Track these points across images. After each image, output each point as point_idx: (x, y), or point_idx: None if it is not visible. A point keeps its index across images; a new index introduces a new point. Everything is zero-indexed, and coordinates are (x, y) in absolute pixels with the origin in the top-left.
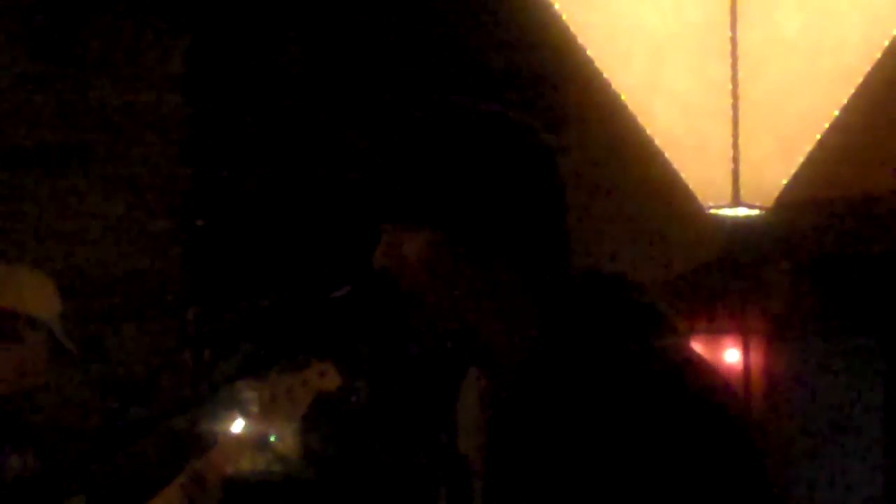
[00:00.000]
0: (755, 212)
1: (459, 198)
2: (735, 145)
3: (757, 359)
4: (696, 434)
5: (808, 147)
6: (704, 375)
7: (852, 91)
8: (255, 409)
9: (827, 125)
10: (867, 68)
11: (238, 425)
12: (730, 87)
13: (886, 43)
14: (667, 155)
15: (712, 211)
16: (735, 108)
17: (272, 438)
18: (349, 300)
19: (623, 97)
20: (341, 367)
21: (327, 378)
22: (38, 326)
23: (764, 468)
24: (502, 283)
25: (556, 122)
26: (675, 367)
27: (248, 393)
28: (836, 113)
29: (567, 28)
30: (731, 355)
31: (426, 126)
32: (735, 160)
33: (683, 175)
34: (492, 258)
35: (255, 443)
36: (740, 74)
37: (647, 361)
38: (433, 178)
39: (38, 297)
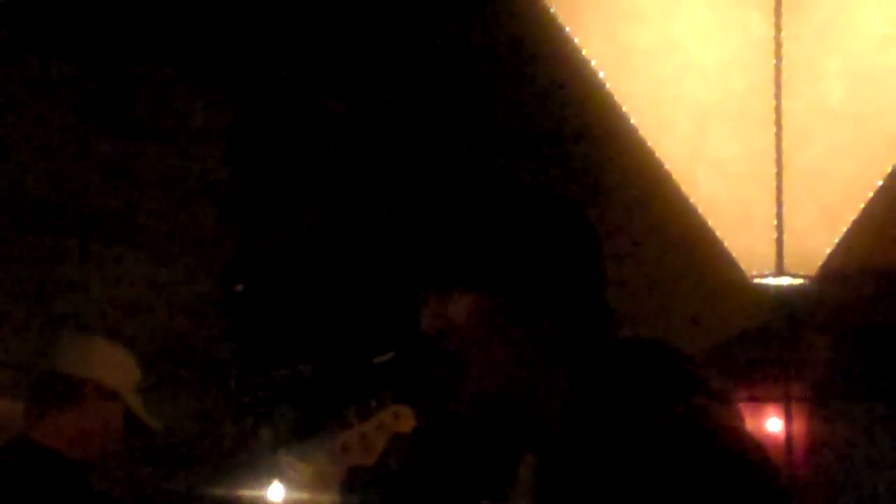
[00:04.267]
0: (799, 281)
1: (505, 264)
2: (779, 214)
3: (799, 427)
4: (729, 499)
5: (851, 216)
6: (740, 441)
7: None
8: (295, 474)
9: (871, 194)
10: None
11: (279, 491)
12: (774, 155)
13: None
14: (710, 223)
15: (756, 280)
16: (779, 176)
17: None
18: (393, 365)
19: (667, 165)
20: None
21: (402, 420)
22: (109, 396)
23: None
24: (546, 347)
25: (600, 190)
26: (709, 432)
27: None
28: (881, 182)
29: (611, 96)
30: (773, 423)
31: (473, 198)
32: (779, 229)
33: (727, 244)
34: (536, 322)
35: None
36: (784, 143)
37: (681, 425)
38: (479, 245)
39: (109, 366)
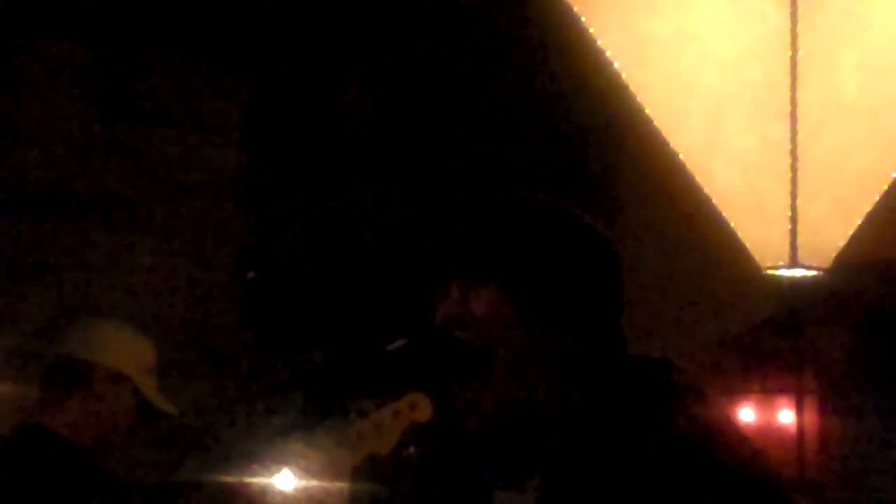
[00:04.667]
0: (813, 272)
1: (529, 267)
2: (793, 206)
3: (811, 419)
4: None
5: (866, 208)
6: (731, 443)
7: None
8: (306, 462)
9: (885, 186)
10: None
11: (288, 479)
12: (789, 147)
13: None
14: (725, 215)
15: (770, 271)
16: (794, 168)
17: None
18: (405, 354)
19: (681, 156)
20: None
21: (419, 410)
22: (119, 380)
23: None
24: (563, 359)
25: (614, 180)
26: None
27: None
28: (895, 174)
29: (626, 86)
30: (785, 415)
31: (513, 201)
32: (793, 221)
33: (741, 235)
34: (556, 333)
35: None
36: (799, 135)
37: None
38: (508, 242)
39: (120, 350)
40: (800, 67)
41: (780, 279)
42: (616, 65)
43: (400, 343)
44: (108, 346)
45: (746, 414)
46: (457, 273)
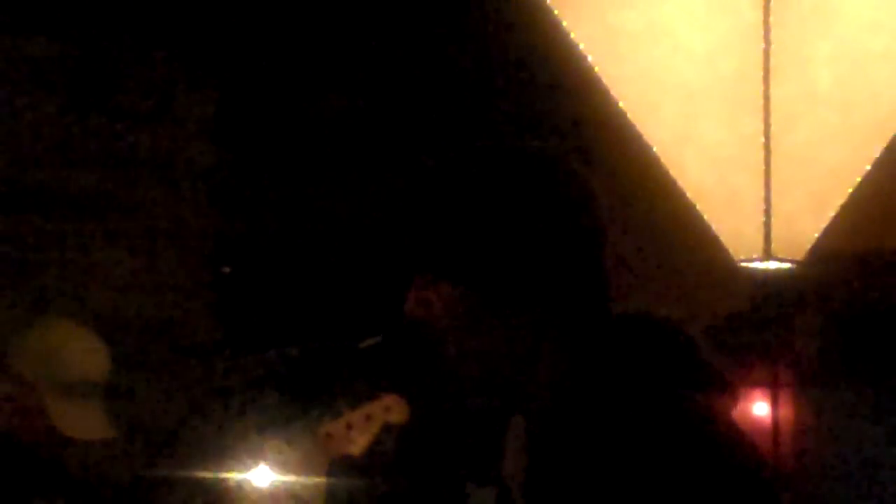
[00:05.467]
0: (786, 265)
1: (490, 244)
2: (767, 198)
3: (786, 412)
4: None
5: (839, 200)
6: (725, 431)
7: (884, 145)
8: (282, 457)
9: (859, 179)
10: None
11: (266, 475)
12: (762, 140)
13: None
14: (698, 207)
15: (743, 264)
16: (767, 161)
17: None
18: (378, 350)
19: (655, 149)
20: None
21: (394, 411)
22: (27, 388)
23: None
24: (533, 333)
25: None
26: (695, 419)
27: (275, 442)
28: (868, 167)
29: (599, 80)
30: (759, 408)
31: (460, 168)
32: (767, 213)
33: (714, 228)
34: (520, 307)
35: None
36: (772, 128)
37: (670, 408)
38: (465, 226)
39: (37, 358)
40: (773, 61)
41: (754, 272)
42: (589, 58)
43: (374, 340)
44: (27, 353)
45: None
46: (417, 270)
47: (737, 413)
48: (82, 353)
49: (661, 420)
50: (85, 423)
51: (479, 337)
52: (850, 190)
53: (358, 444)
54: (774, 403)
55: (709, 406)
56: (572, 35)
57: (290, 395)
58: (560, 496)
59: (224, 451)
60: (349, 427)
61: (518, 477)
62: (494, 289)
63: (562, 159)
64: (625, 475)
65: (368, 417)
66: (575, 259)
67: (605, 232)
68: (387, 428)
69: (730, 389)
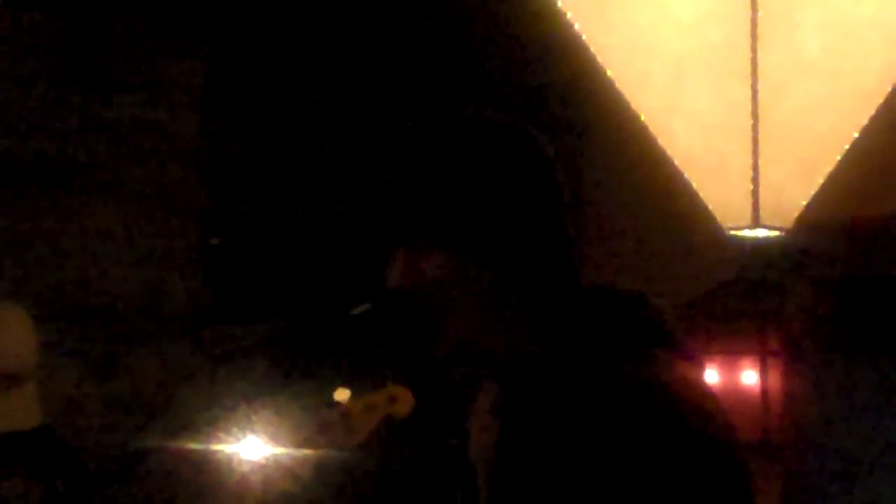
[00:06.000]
0: (775, 233)
1: (470, 212)
2: (755, 166)
3: (775, 380)
4: (672, 456)
5: (827, 168)
6: (690, 397)
7: (872, 113)
8: (269, 428)
9: (847, 146)
10: (888, 90)
11: (255, 446)
12: (750, 107)
13: None
14: (686, 176)
15: (732, 232)
16: (755, 129)
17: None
18: (368, 318)
19: (643, 118)
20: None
21: (399, 404)
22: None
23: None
24: (513, 296)
25: (576, 142)
26: (661, 386)
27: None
28: (856, 134)
29: (587, 48)
30: (749, 376)
31: (436, 137)
32: (755, 181)
33: (703, 196)
34: (503, 273)
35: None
36: (761, 95)
37: (635, 379)
38: (444, 195)
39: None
40: (760, 28)
41: (742, 240)
42: (576, 26)
43: (364, 307)
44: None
45: (710, 375)
46: (402, 240)
47: (725, 382)
48: (8, 344)
49: (620, 390)
50: (11, 413)
51: (467, 300)
52: (839, 157)
53: (355, 434)
54: (763, 371)
55: (668, 361)
56: (559, 3)
57: (281, 365)
58: (527, 476)
59: (214, 422)
60: (346, 416)
61: (486, 452)
62: (479, 252)
63: (521, 127)
64: (589, 450)
65: (368, 408)
66: (536, 220)
67: (563, 194)
68: (384, 423)
69: (693, 357)
